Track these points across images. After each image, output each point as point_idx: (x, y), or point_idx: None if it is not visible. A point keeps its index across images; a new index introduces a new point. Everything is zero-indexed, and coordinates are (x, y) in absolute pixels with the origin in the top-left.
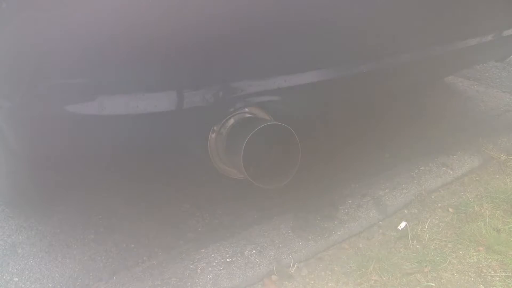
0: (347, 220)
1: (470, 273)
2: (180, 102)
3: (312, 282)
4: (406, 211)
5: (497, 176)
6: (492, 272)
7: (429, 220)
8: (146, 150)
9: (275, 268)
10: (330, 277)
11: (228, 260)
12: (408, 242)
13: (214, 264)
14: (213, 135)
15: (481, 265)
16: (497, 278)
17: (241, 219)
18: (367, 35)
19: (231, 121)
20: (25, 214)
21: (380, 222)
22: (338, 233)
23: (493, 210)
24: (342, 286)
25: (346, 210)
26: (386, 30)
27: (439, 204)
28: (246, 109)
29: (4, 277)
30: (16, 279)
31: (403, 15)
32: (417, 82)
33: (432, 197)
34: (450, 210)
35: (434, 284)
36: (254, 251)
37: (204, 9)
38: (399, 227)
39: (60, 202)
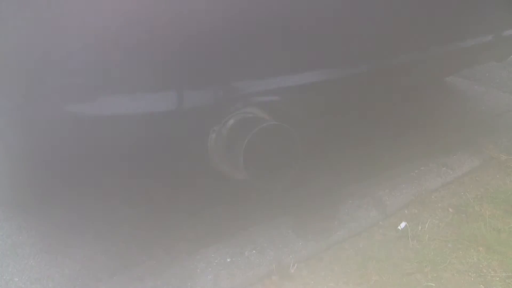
0: (347, 220)
1: (470, 273)
2: (180, 102)
3: (312, 282)
4: (406, 211)
5: (497, 176)
6: (492, 272)
7: (429, 220)
8: (146, 150)
9: (275, 268)
10: (330, 277)
11: (228, 260)
12: (408, 242)
13: (214, 264)
14: (213, 135)
15: (481, 265)
16: (497, 278)
17: (241, 219)
18: (367, 35)
19: (231, 121)
20: (25, 214)
21: (380, 222)
22: (338, 233)
23: (493, 210)
24: (342, 286)
25: (346, 210)
26: (386, 30)
27: (439, 204)
28: (246, 109)
29: (4, 277)
30: (16, 279)
31: (403, 15)
32: (417, 82)
33: (432, 197)
34: (450, 210)
35: (434, 284)
36: (254, 251)
37: (204, 9)
38: (399, 227)
39: (60, 202)
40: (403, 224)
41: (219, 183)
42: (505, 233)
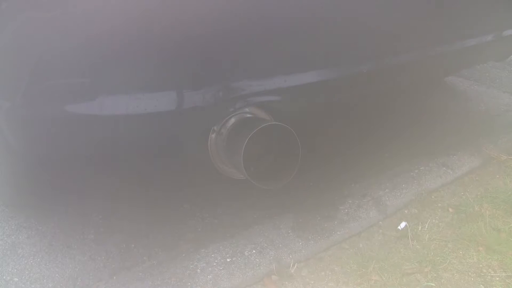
0: (347, 220)
1: (470, 273)
2: (180, 102)
3: (312, 282)
4: (406, 211)
5: (497, 176)
6: (492, 272)
7: (429, 220)
8: (146, 150)
9: (275, 268)
10: (330, 277)
11: (228, 260)
12: (408, 242)
13: (214, 264)
14: (213, 135)
15: (481, 265)
16: (497, 278)
17: (241, 219)
18: (367, 35)
19: (231, 121)
20: (25, 214)
21: (380, 222)
22: (338, 233)
23: (493, 210)
24: (342, 286)
25: (346, 210)
26: (386, 30)
27: (439, 204)
28: (246, 109)
29: (4, 277)
30: (16, 279)
31: (403, 15)
32: (417, 82)
33: (432, 197)
34: (450, 210)
35: (434, 284)
36: (254, 251)
37: (204, 9)
38: (399, 227)
39: (60, 202)
40: (403, 224)
41: (219, 183)
42: (505, 233)
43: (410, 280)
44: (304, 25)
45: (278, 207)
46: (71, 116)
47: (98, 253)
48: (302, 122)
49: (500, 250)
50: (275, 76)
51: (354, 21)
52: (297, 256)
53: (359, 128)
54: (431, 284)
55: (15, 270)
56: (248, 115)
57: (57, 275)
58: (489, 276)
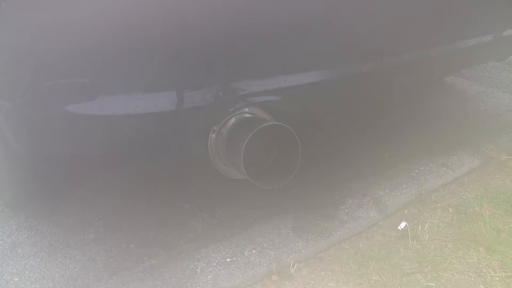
0: (347, 220)
1: (470, 273)
2: (180, 102)
3: (312, 282)
4: (406, 211)
5: (497, 176)
6: (492, 272)
7: (429, 220)
8: (146, 150)
9: (275, 268)
10: (330, 277)
11: (228, 260)
12: (408, 242)
13: (214, 264)
14: (213, 135)
15: (481, 265)
16: (497, 278)
17: (241, 219)
18: (367, 35)
19: (231, 121)
20: (25, 214)
21: (380, 222)
22: (338, 233)
23: (493, 210)
24: (342, 286)
25: (346, 210)
26: (386, 30)
27: (439, 204)
28: (246, 109)
29: (4, 277)
30: (16, 279)
31: (403, 15)
32: (417, 82)
33: (432, 197)
34: (450, 210)
35: (434, 284)
36: (254, 251)
37: (204, 8)
38: (399, 227)
39: (60, 202)
40: (403, 224)
41: (219, 183)
42: (505, 233)
43: (410, 280)
44: (304, 25)
45: (278, 207)
46: (71, 116)
47: (98, 253)
48: (302, 122)
49: (500, 250)
50: (275, 76)
51: (354, 21)
52: (297, 256)
53: (359, 128)
54: (431, 284)
55: (15, 270)
56: (248, 115)
57: (57, 275)
58: (489, 276)
